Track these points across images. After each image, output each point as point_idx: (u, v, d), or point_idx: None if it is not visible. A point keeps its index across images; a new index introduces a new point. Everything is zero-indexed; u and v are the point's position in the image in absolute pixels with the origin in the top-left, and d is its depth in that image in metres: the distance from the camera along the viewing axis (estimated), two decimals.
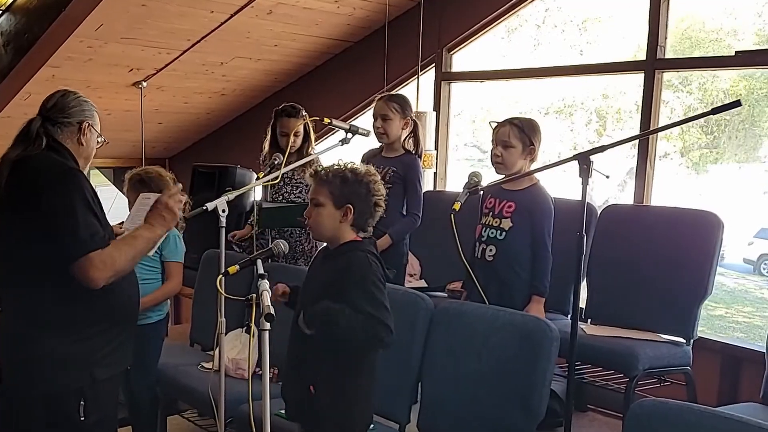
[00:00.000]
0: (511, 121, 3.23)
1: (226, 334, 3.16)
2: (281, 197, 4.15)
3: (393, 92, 4.26)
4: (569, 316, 3.41)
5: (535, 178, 3.21)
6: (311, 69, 6.37)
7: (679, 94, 7.15)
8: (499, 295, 3.15)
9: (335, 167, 2.49)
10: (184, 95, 6.25)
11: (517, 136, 3.18)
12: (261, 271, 2.28)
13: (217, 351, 3.11)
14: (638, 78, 4.66)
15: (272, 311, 2.00)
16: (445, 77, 5.68)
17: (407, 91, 5.67)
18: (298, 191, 4.18)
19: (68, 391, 2.38)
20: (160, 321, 3.51)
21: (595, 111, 7.78)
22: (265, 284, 2.10)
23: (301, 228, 4.04)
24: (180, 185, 2.68)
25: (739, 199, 8.02)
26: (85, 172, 2.59)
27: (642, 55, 4.67)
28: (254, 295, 2.09)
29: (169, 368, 3.60)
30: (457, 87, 5.87)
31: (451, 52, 5.71)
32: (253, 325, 2.06)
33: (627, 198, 4.63)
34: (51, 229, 2.29)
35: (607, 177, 2.50)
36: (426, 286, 4.00)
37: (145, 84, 5.81)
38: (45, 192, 2.31)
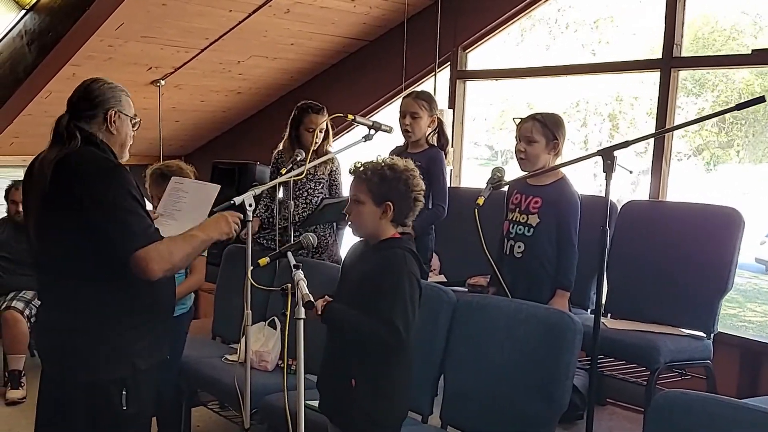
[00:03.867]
0: (534, 117, 3.25)
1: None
2: (305, 193, 4.19)
3: (418, 89, 4.27)
4: (589, 310, 3.44)
5: (561, 173, 3.23)
6: (327, 68, 6.42)
7: (693, 97, 7.16)
8: (528, 290, 3.16)
9: (373, 164, 2.50)
10: (201, 93, 6.31)
11: (540, 131, 3.20)
12: (293, 262, 2.31)
13: (243, 342, 3.15)
14: (650, 80, 4.69)
15: (311, 299, 2.04)
16: (461, 75, 5.72)
17: (424, 88, 5.71)
18: (320, 187, 4.22)
19: (110, 381, 2.42)
20: (184, 314, 3.56)
21: (608, 115, 7.80)
22: (299, 274, 2.14)
23: (329, 222, 4.10)
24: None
25: (751, 198, 8.01)
26: (126, 158, 2.60)
27: (652, 57, 4.70)
28: (289, 284, 2.12)
29: (192, 361, 3.65)
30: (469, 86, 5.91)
31: (467, 51, 5.75)
32: (288, 314, 2.09)
33: (639, 196, 4.63)
34: (103, 225, 2.31)
35: (631, 172, 2.53)
36: (445, 281, 4.04)
37: (163, 82, 5.86)
38: (91, 190, 2.33)
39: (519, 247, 3.26)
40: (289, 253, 2.45)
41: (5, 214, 5.17)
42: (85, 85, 2.54)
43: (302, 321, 2.12)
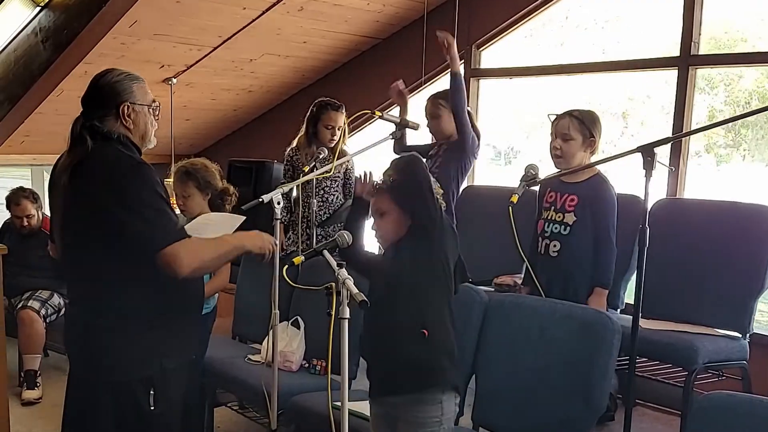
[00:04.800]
0: (570, 113, 3.21)
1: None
2: (321, 191, 4.16)
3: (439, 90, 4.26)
4: (619, 310, 3.40)
5: (596, 169, 3.19)
6: (338, 66, 6.39)
7: (704, 96, 7.13)
8: (564, 290, 3.13)
9: (389, 173, 2.49)
10: (212, 92, 6.27)
11: (576, 128, 3.17)
12: (332, 260, 2.27)
13: (270, 342, 3.11)
14: (662, 79, 4.67)
15: (365, 298, 2.01)
16: (475, 73, 5.69)
17: (440, 85, 5.69)
18: (336, 185, 4.19)
19: (138, 380, 2.38)
20: (208, 314, 3.51)
21: (621, 114, 7.77)
22: (344, 272, 2.10)
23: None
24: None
25: (763, 198, 7.98)
26: (152, 145, 2.54)
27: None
28: (333, 283, 2.09)
29: (215, 361, 3.61)
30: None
31: (480, 49, 5.72)
32: (333, 314, 2.06)
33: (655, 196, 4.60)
34: (129, 224, 2.26)
35: (672, 169, 2.49)
36: (470, 280, 4.00)
37: (174, 81, 5.83)
38: (115, 190, 2.27)
39: (555, 246, 3.22)
40: (326, 252, 2.40)
41: (9, 219, 5.08)
42: (93, 82, 2.45)
43: (347, 321, 2.08)
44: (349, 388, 3.48)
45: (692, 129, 3.17)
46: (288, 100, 6.72)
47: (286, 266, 2.60)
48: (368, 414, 2.62)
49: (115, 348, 2.37)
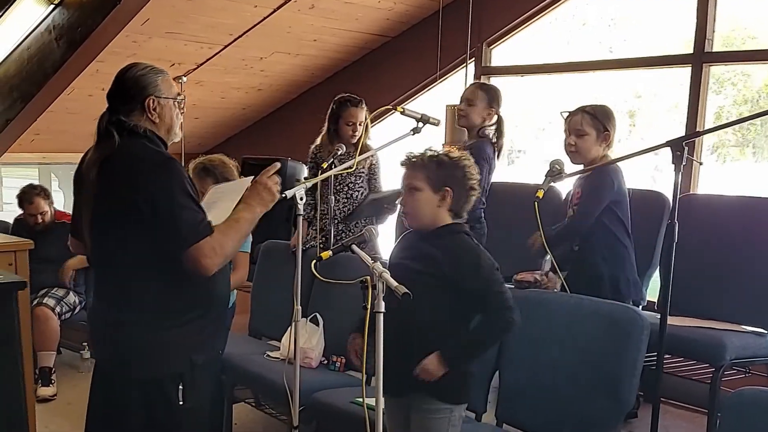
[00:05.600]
0: (583, 109, 3.22)
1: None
2: (345, 188, 4.15)
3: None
4: (640, 306, 3.39)
5: (604, 159, 3.18)
6: (346, 65, 6.39)
7: (711, 95, 7.12)
8: (586, 285, 3.12)
9: (429, 152, 2.47)
10: (221, 90, 6.27)
11: (590, 123, 3.17)
12: (364, 254, 2.26)
13: (290, 338, 3.10)
14: (670, 77, 4.67)
15: (407, 290, 2.00)
16: (485, 71, 5.69)
17: (455, 81, 5.72)
18: (360, 181, 4.18)
19: (168, 376, 2.37)
20: (228, 310, 3.50)
21: (627, 112, 7.77)
22: (379, 266, 2.09)
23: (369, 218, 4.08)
24: (278, 164, 2.62)
25: None
26: (177, 139, 2.53)
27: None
28: (368, 277, 2.08)
29: (234, 358, 3.59)
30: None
31: (491, 47, 5.73)
32: (369, 308, 2.05)
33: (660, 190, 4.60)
34: (156, 220, 2.25)
35: (701, 164, 2.49)
36: None
37: (185, 79, 5.82)
38: (143, 184, 2.26)
39: (575, 240, 3.24)
40: (355, 246, 2.39)
41: (20, 216, 5.08)
42: (118, 77, 2.43)
43: (381, 315, 2.08)
44: (369, 384, 3.50)
45: (720, 125, 3.15)
46: (297, 99, 6.73)
47: (315, 261, 2.58)
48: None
49: (146, 344, 2.35)
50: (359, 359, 2.49)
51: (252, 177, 2.53)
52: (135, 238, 2.31)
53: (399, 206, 3.53)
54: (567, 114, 3.28)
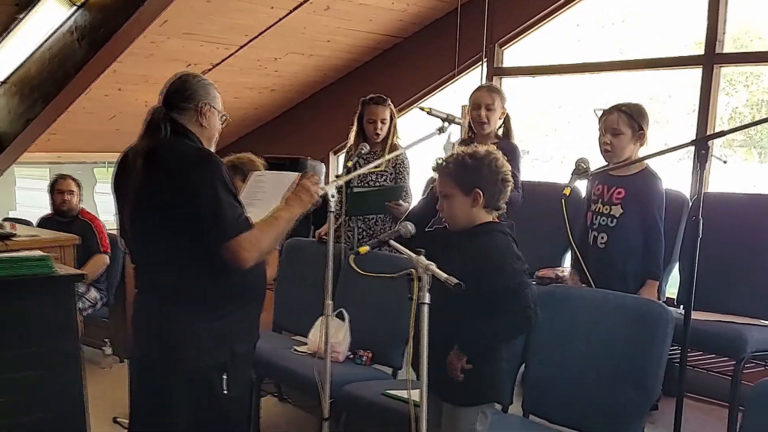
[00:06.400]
0: (618, 108, 3.27)
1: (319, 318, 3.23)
2: (366, 185, 4.22)
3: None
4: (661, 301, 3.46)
5: (645, 163, 3.25)
6: (358, 65, 6.45)
7: (722, 97, 7.20)
8: (611, 281, 3.18)
9: (453, 156, 2.54)
10: (235, 90, 6.32)
11: (626, 122, 3.23)
12: (404, 248, 2.31)
13: (320, 333, 3.17)
14: (680, 78, 4.72)
15: (458, 280, 2.06)
16: (497, 72, 5.76)
17: (472, 78, 5.80)
18: (383, 179, 4.24)
19: (212, 365, 2.44)
20: None
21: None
22: (424, 259, 2.16)
23: (384, 214, 4.13)
24: (323, 167, 2.71)
25: None
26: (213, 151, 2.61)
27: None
28: (413, 270, 2.15)
29: (261, 351, 3.61)
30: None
31: (503, 48, 5.79)
32: (414, 299, 2.12)
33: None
34: (197, 214, 2.33)
35: (725, 162, 2.56)
36: None
37: None
38: (186, 178, 2.35)
39: (602, 237, 3.29)
40: (393, 241, 2.46)
41: (49, 212, 5.15)
42: (181, 77, 2.58)
43: (426, 306, 2.14)
44: (395, 377, 3.57)
45: (741, 125, 3.22)
46: (308, 99, 6.78)
47: (352, 256, 2.65)
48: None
49: (190, 335, 2.43)
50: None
51: (298, 174, 2.62)
52: (177, 232, 2.39)
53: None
54: (601, 112, 3.33)
